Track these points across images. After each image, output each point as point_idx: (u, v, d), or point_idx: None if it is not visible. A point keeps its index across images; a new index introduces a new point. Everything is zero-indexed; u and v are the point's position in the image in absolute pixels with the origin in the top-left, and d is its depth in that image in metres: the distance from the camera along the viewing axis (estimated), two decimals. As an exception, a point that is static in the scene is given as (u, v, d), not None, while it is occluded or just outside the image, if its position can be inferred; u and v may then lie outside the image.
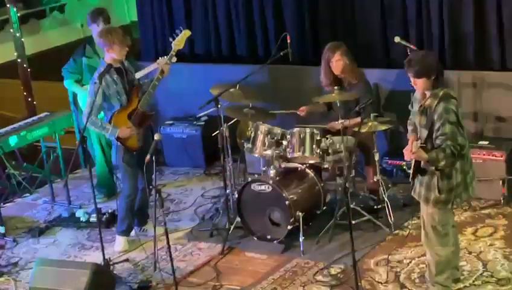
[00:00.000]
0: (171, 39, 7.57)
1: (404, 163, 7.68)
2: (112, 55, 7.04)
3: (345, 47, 7.54)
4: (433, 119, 5.64)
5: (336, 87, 7.31)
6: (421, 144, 5.63)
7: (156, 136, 6.53)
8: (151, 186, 6.95)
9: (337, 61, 7.50)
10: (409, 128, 6.04)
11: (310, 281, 6.58)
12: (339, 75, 7.56)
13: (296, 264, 6.85)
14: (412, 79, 5.75)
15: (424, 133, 5.71)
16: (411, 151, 5.56)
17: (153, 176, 6.58)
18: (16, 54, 9.90)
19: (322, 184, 7.35)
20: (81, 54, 8.16)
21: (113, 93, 7.05)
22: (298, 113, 7.78)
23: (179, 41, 7.54)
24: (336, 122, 7.34)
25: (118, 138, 7.09)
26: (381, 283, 6.41)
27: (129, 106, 7.15)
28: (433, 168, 5.66)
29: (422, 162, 5.67)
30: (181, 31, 7.57)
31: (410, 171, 5.84)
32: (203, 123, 9.00)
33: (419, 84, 5.74)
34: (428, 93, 5.74)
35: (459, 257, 6.30)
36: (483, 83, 7.90)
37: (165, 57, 8.01)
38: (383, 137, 8.10)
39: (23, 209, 8.59)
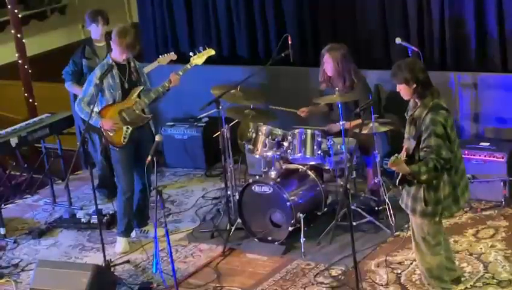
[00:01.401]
0: (191, 53, 7.57)
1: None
2: (114, 52, 7.11)
3: (339, 50, 7.46)
4: (421, 130, 5.55)
5: (336, 88, 7.31)
6: (407, 155, 5.57)
7: (157, 138, 6.53)
8: (151, 188, 6.95)
9: (326, 63, 7.50)
10: (406, 136, 6.01)
11: (311, 282, 6.58)
12: (331, 76, 7.55)
13: (297, 266, 6.85)
14: (397, 86, 5.75)
15: (413, 143, 5.61)
16: (390, 164, 5.45)
17: (154, 177, 6.58)
18: (17, 55, 9.90)
19: (323, 185, 7.35)
20: (80, 55, 8.16)
21: (107, 86, 7.10)
22: (299, 114, 7.77)
23: (199, 57, 7.55)
24: (335, 124, 7.34)
25: (102, 128, 7.17)
26: (382, 285, 6.40)
27: (124, 103, 7.17)
28: (416, 181, 5.56)
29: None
30: (205, 49, 7.57)
31: (397, 179, 5.75)
32: (204, 124, 9.00)
33: (401, 91, 5.70)
34: (419, 103, 5.67)
35: (453, 259, 6.20)
36: (484, 84, 7.89)
37: (166, 54, 8.15)
38: (384, 138, 8.08)
39: (24, 211, 8.58)
